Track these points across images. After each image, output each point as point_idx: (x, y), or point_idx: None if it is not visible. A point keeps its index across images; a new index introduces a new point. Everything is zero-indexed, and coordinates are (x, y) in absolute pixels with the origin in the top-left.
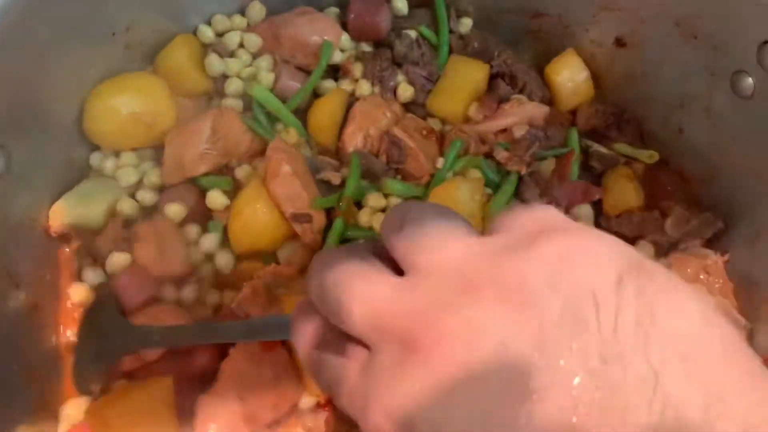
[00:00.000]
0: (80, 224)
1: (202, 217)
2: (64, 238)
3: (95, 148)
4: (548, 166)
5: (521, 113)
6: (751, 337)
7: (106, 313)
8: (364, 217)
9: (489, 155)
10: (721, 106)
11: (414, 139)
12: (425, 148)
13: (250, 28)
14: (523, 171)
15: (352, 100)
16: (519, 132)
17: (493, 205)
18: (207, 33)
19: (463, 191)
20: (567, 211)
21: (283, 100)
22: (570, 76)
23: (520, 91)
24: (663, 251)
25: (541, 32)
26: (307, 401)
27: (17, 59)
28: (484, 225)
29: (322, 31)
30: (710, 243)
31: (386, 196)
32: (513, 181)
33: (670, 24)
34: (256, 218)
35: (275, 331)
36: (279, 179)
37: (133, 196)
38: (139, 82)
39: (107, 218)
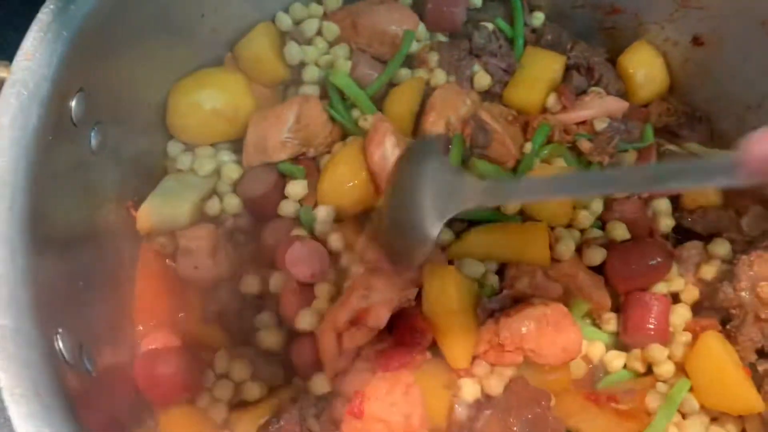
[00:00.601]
0: (167, 224)
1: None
2: (150, 236)
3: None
4: (630, 159)
5: (602, 106)
6: None
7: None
8: None
9: (570, 145)
10: None
11: (499, 124)
12: (510, 133)
13: (327, 16)
14: (606, 162)
15: (427, 89)
16: (600, 125)
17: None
18: (285, 20)
19: None
20: (646, 203)
21: (360, 89)
22: (646, 67)
23: (596, 83)
24: (740, 249)
25: (615, 29)
26: None
27: (114, 40)
28: (574, 213)
29: (400, 21)
30: None
31: None
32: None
33: (756, 23)
34: (346, 177)
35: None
36: (383, 148)
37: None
38: (220, 78)
39: (193, 216)
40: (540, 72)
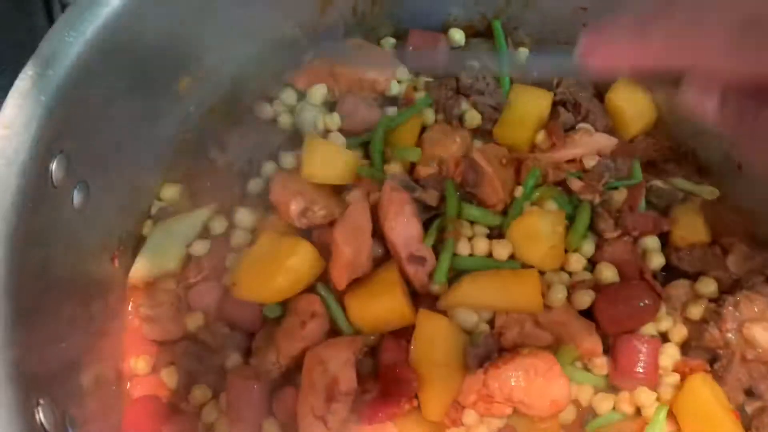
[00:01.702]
0: (160, 275)
1: None
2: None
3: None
4: (619, 196)
5: (591, 143)
6: None
7: None
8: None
9: (559, 184)
10: None
11: (492, 166)
12: (502, 176)
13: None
14: (597, 200)
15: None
16: (590, 162)
17: (571, 235)
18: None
19: (545, 223)
20: (636, 240)
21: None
22: (634, 102)
23: (583, 120)
24: (726, 288)
25: None
26: None
27: (94, 100)
28: (566, 258)
29: (378, 66)
30: None
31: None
32: (587, 211)
33: None
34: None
35: None
36: (401, 219)
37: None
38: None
39: (183, 262)
40: (528, 109)
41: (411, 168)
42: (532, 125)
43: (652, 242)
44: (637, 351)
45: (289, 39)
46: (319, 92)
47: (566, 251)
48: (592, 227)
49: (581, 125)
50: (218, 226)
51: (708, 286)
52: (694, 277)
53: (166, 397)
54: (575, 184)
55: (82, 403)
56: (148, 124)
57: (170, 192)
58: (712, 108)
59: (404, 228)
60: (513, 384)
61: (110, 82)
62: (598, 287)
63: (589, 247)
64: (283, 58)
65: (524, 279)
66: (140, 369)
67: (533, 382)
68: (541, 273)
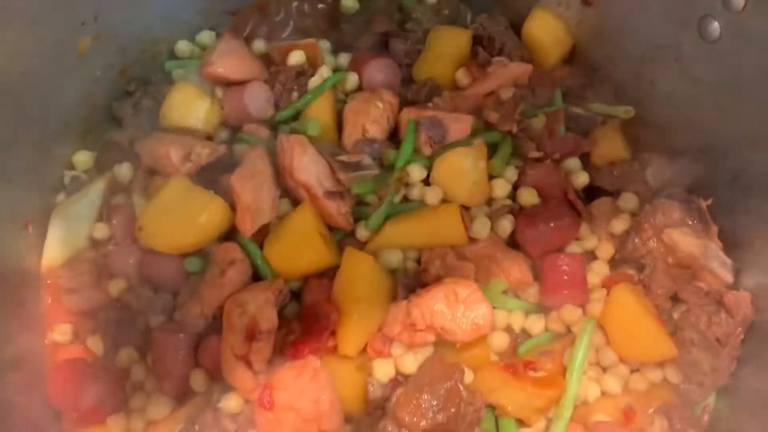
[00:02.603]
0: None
1: None
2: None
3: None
4: (539, 123)
5: (505, 74)
6: (736, 277)
7: None
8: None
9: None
10: (690, 53)
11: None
12: None
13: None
14: (514, 129)
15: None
16: (506, 94)
17: (493, 163)
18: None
19: (466, 159)
20: (558, 163)
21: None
22: (551, 31)
23: (499, 53)
24: (647, 201)
25: None
26: None
27: None
28: (490, 188)
29: None
30: (693, 189)
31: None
32: (508, 141)
33: None
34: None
35: None
36: (307, 157)
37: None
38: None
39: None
40: (446, 48)
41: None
42: (450, 63)
43: (573, 163)
44: (563, 268)
45: None
46: None
47: (491, 179)
48: (518, 153)
49: (497, 59)
50: (120, 197)
51: (629, 202)
52: (615, 195)
53: (93, 360)
54: (491, 117)
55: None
56: (53, 85)
57: (82, 159)
58: None
59: (313, 164)
60: (435, 310)
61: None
62: (518, 213)
63: (511, 173)
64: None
65: (445, 213)
66: (61, 338)
67: (454, 308)
68: (467, 209)
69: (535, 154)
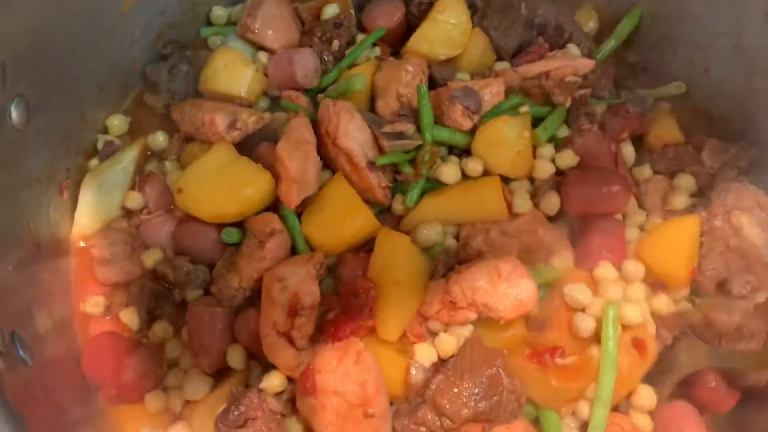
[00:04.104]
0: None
1: None
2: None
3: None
4: (600, 109)
5: (569, 62)
6: None
7: None
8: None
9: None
10: (752, 41)
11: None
12: None
13: None
14: (568, 103)
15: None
16: (567, 79)
17: (539, 131)
18: None
19: (510, 128)
20: (618, 141)
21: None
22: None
23: (568, 41)
24: (703, 182)
25: None
26: None
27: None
28: (534, 164)
29: None
30: (745, 175)
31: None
32: (561, 110)
33: None
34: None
35: None
36: (354, 124)
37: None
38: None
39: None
40: None
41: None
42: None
43: (628, 149)
44: (602, 230)
45: None
46: None
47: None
48: (570, 125)
49: (570, 45)
50: (153, 165)
51: (688, 180)
52: (672, 176)
53: (127, 333)
54: (549, 86)
55: (31, 324)
56: (91, 45)
57: (116, 124)
58: None
59: (359, 132)
60: (477, 286)
61: None
62: (566, 173)
63: (549, 150)
64: None
65: (485, 187)
66: (93, 310)
67: (496, 284)
68: (509, 181)
69: (588, 126)
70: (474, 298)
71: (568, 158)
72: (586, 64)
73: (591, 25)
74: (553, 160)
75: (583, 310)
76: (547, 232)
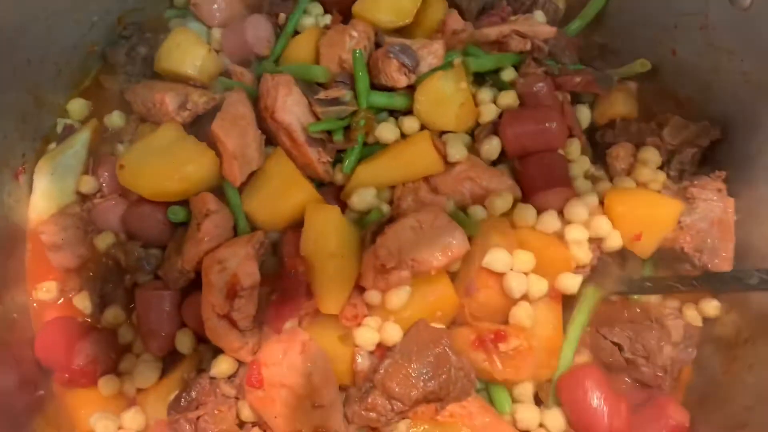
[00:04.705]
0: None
1: None
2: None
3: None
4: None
5: (528, 27)
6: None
7: None
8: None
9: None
10: (718, 21)
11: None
12: None
13: None
14: (528, 46)
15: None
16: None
17: (470, 61)
18: None
19: (447, 81)
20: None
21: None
22: None
23: (533, 3)
24: (664, 158)
25: None
26: None
27: None
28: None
29: None
30: (707, 159)
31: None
32: (509, 56)
33: None
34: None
35: None
36: (293, 98)
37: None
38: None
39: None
40: None
41: None
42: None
43: (583, 113)
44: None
45: None
46: None
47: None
48: (520, 72)
49: (537, 12)
50: (107, 147)
51: (653, 153)
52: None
53: (80, 318)
54: (502, 34)
55: None
56: (44, 29)
57: (76, 107)
58: None
59: (297, 106)
60: (401, 244)
61: None
62: (503, 114)
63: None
64: None
65: (416, 141)
66: (46, 296)
67: (421, 236)
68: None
69: (534, 68)
70: (401, 255)
71: (509, 98)
72: (548, 31)
73: (560, 5)
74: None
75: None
76: (487, 176)
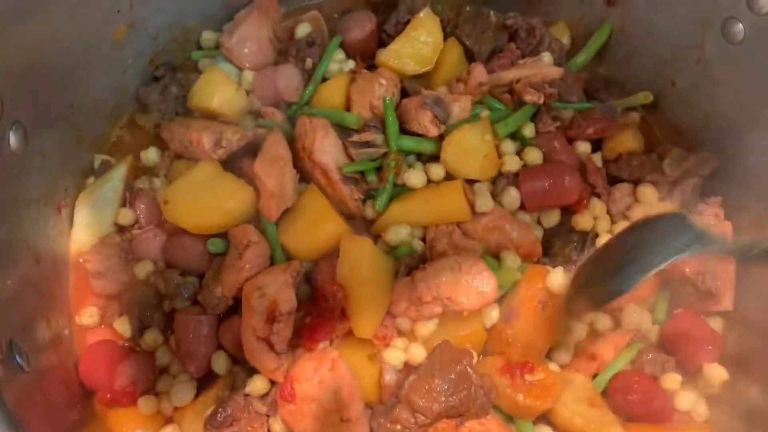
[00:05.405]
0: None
1: None
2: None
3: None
4: (567, 113)
5: (538, 70)
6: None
7: None
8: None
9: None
10: (713, 55)
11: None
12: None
13: None
14: (541, 100)
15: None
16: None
17: (501, 126)
18: None
19: (473, 134)
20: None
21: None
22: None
23: (538, 46)
24: (665, 191)
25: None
26: None
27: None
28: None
29: None
30: (706, 186)
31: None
32: (527, 110)
33: None
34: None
35: None
36: (329, 140)
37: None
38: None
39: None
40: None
41: None
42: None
43: (583, 147)
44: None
45: None
46: None
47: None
48: (535, 122)
49: (544, 54)
50: (143, 181)
51: (651, 191)
52: (633, 185)
53: (121, 342)
54: (520, 87)
55: (29, 333)
56: (86, 73)
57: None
58: None
59: (333, 148)
60: (440, 282)
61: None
62: (521, 171)
63: (509, 146)
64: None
65: (448, 190)
66: (88, 321)
67: (459, 278)
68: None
69: (549, 127)
70: (438, 292)
71: (534, 155)
72: (555, 72)
73: (564, 41)
74: (519, 157)
75: None
76: (513, 227)
